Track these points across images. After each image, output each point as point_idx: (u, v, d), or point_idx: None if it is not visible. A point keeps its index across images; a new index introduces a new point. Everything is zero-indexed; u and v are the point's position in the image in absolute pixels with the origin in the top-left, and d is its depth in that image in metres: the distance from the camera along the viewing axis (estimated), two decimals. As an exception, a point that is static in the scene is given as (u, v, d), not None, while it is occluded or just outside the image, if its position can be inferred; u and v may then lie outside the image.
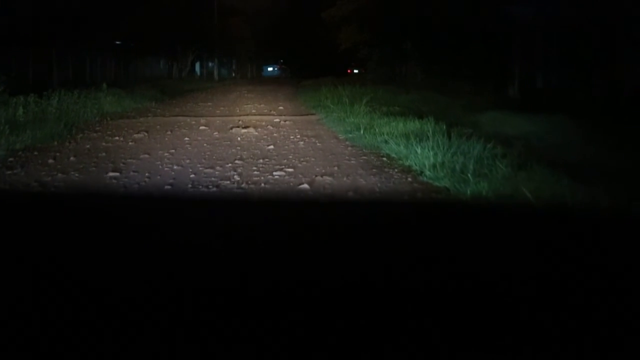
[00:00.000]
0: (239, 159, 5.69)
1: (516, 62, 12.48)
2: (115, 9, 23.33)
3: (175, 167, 5.35)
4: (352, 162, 5.61)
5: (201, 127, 8.41)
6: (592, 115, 8.48)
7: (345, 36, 31.18)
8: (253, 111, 11.40)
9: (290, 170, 5.14)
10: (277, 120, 9.40)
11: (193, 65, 36.27)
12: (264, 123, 8.96)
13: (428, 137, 6.13)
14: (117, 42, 27.10)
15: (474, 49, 13.37)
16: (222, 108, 12.19)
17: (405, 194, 4.35)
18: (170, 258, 2.78)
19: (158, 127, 8.57)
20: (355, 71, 44.60)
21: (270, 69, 45.24)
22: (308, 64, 45.62)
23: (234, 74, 40.65)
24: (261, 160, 5.61)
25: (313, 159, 5.71)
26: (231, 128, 8.22)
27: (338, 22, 30.36)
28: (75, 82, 18.89)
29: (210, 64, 37.43)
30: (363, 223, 3.55)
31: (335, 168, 5.25)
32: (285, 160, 5.63)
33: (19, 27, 15.74)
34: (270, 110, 11.42)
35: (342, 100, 11.75)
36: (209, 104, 13.59)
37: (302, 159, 5.69)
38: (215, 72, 34.80)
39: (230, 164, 5.44)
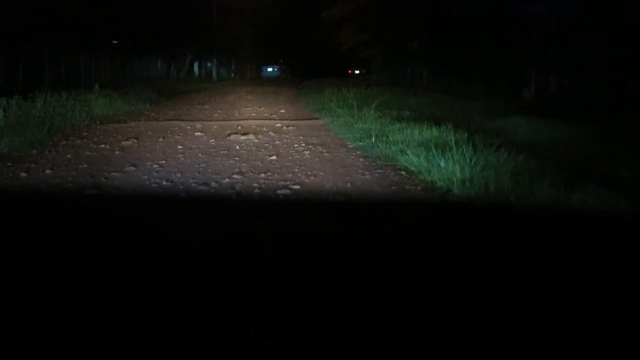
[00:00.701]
0: (237, 173, 4.99)
1: (532, 62, 11.78)
2: (110, 7, 22.68)
3: (164, 182, 4.65)
4: (367, 176, 4.91)
5: (196, 133, 7.72)
6: (623, 122, 7.79)
7: (347, 36, 30.60)
8: (253, 115, 10.70)
9: (297, 187, 4.44)
10: (279, 125, 8.71)
11: (191, 66, 35.59)
12: (264, 129, 8.27)
13: (450, 147, 5.44)
14: (114, 42, 26.52)
15: (486, 49, 12.69)
16: (220, 111, 11.50)
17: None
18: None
19: (150, 132, 7.87)
20: (357, 72, 44.02)
21: (269, 69, 44.54)
22: (308, 64, 45.01)
23: (233, 75, 39.95)
24: (263, 175, 4.91)
25: (322, 173, 5.01)
26: (229, 134, 7.52)
27: (339, 22, 29.77)
28: (68, 83, 18.23)
29: (209, 64, 36.75)
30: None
31: (349, 185, 4.55)
32: (290, 175, 4.93)
33: (7, 25, 15.04)
34: (271, 114, 10.72)
35: (348, 103, 11.06)
36: (206, 106, 12.90)
37: (309, 173, 4.99)
38: (214, 73, 34.09)
39: (227, 179, 4.74)
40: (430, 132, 6.74)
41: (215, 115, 10.72)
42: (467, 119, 8.48)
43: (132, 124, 9.02)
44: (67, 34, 19.72)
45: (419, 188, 4.51)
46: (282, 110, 11.50)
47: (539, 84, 11.64)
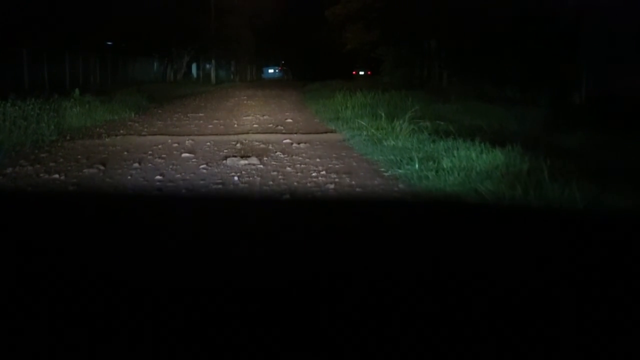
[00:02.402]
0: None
1: (583, 60, 10.05)
2: (98, 5, 21.06)
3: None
4: (431, 236, 3.23)
5: (184, 155, 6.04)
6: None
7: (351, 36, 29.17)
8: (255, 126, 9.02)
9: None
10: (288, 141, 7.03)
11: (189, 67, 33.97)
12: (270, 147, 6.58)
13: (540, 182, 3.79)
14: (108, 43, 24.93)
15: (523, 46, 10.99)
16: (216, 121, 9.81)
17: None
18: None
19: (125, 153, 6.20)
20: (361, 73, 42.36)
21: (270, 70, 42.89)
22: (310, 65, 43.45)
23: (232, 76, 38.28)
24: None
25: (361, 229, 3.33)
26: (225, 157, 5.82)
27: (342, 21, 28.27)
28: (52, 87, 16.62)
29: (207, 66, 35.07)
30: None
31: (410, 256, 2.88)
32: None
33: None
34: (277, 125, 9.03)
35: (368, 111, 9.40)
36: (201, 114, 11.22)
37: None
38: (213, 75, 32.41)
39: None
40: (492, 156, 5.05)
41: (210, 126, 9.04)
42: (524, 133, 6.80)
43: (107, 140, 7.34)
44: (50, 33, 18.12)
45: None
46: (289, 120, 9.81)
47: (592, 86, 9.92)
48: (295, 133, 7.91)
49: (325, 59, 42.32)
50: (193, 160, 5.80)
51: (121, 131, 8.43)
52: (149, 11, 24.07)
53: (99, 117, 10.29)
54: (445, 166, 4.87)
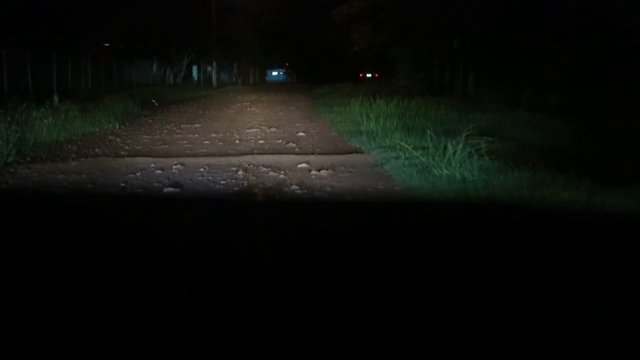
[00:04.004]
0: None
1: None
2: (89, 4, 19.56)
3: None
4: None
5: (166, 191, 4.42)
6: None
7: (358, 36, 27.78)
8: (260, 142, 7.41)
9: None
10: (305, 166, 5.43)
11: (190, 70, 32.43)
12: (282, 176, 4.97)
13: None
14: (105, 44, 23.46)
15: (577, 47, 9.36)
16: (213, 135, 8.21)
17: None
18: None
19: (88, 187, 4.60)
20: (368, 75, 40.85)
21: (274, 73, 41.25)
22: (316, 67, 41.95)
23: (234, 79, 36.71)
24: None
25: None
26: (222, 198, 4.20)
27: (349, 21, 26.88)
28: (37, 92, 15.09)
29: (209, 68, 33.53)
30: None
31: None
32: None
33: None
34: (287, 141, 7.41)
35: (399, 124, 7.80)
36: (197, 125, 9.62)
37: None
38: (214, 77, 30.87)
39: None
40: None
41: (207, 142, 7.44)
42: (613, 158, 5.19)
43: (74, 164, 5.73)
44: (35, 32, 16.58)
45: None
46: (301, 133, 8.20)
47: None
48: (312, 153, 6.28)
49: (331, 61, 40.85)
50: (178, 197, 4.20)
51: (97, 149, 6.83)
52: (147, 11, 22.63)
53: (77, 129, 8.72)
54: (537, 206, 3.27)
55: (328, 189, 4.48)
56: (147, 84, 25.52)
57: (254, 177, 5.01)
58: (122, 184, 4.69)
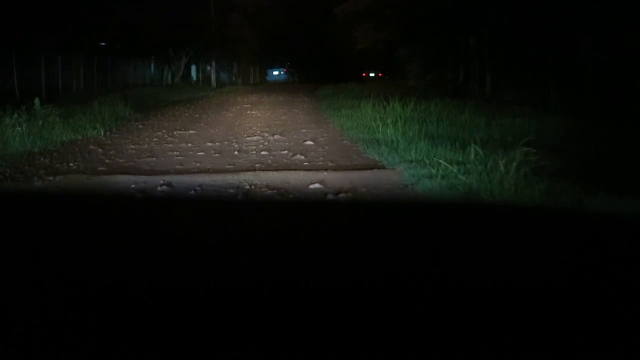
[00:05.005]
0: None
1: None
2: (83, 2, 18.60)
3: None
4: None
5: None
6: None
7: (362, 35, 26.85)
8: (263, 153, 6.40)
9: None
10: (317, 186, 4.42)
11: (188, 69, 31.46)
12: (291, 197, 3.96)
13: None
14: (101, 43, 22.52)
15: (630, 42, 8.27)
16: (209, 144, 7.20)
17: None
18: None
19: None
20: (371, 75, 39.95)
21: (275, 72, 40.24)
22: (318, 67, 41.05)
23: (234, 79, 35.71)
24: None
25: None
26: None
27: (352, 19, 25.99)
28: (24, 94, 14.15)
29: (208, 68, 32.56)
30: None
31: None
32: None
33: None
34: (294, 152, 6.39)
35: (415, 129, 6.80)
36: (192, 131, 8.61)
37: None
38: (213, 77, 29.89)
39: None
40: None
41: (201, 154, 6.43)
42: None
43: (39, 184, 4.72)
44: (22, 32, 15.59)
45: None
46: (309, 142, 7.19)
47: None
48: (325, 169, 5.28)
49: (333, 61, 39.95)
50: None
51: (72, 163, 5.83)
52: (144, 9, 21.68)
53: (56, 136, 7.74)
54: None
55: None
56: (144, 85, 24.58)
57: (255, 201, 4.02)
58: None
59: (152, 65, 28.74)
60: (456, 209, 3.81)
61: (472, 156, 4.45)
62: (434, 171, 4.71)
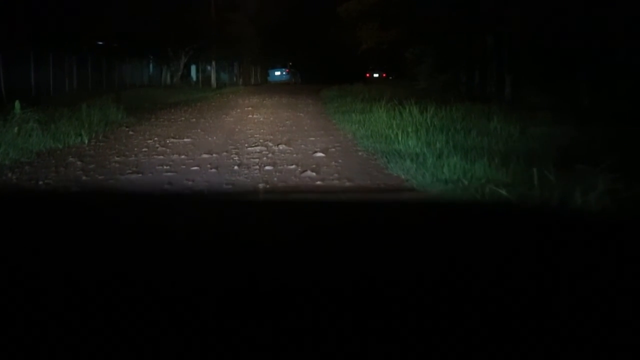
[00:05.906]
0: None
1: None
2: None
3: None
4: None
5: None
6: None
7: (366, 34, 26.10)
8: (267, 168, 5.50)
9: None
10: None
11: (188, 69, 30.60)
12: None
13: None
14: (99, 42, 21.66)
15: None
16: (205, 156, 6.30)
17: None
18: None
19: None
20: (375, 75, 39.06)
21: (277, 73, 39.38)
22: (320, 67, 40.13)
23: (235, 79, 34.87)
24: None
25: None
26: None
27: (356, 18, 25.21)
28: (12, 95, 13.27)
29: (208, 68, 31.72)
30: None
31: None
32: None
33: None
34: (304, 169, 5.49)
35: (441, 138, 5.92)
36: (186, 140, 7.71)
37: None
38: (213, 77, 29.04)
39: None
40: None
41: (195, 169, 5.53)
42: None
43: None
44: (12, 30, 14.74)
45: None
46: (319, 154, 6.29)
47: None
48: (343, 191, 4.38)
49: (336, 60, 39.09)
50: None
51: (41, 182, 4.94)
52: (142, 7, 20.84)
53: (32, 146, 6.86)
54: None
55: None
56: (141, 85, 23.74)
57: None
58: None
59: (150, 65, 27.92)
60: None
61: (535, 181, 3.53)
62: (478, 197, 3.82)
